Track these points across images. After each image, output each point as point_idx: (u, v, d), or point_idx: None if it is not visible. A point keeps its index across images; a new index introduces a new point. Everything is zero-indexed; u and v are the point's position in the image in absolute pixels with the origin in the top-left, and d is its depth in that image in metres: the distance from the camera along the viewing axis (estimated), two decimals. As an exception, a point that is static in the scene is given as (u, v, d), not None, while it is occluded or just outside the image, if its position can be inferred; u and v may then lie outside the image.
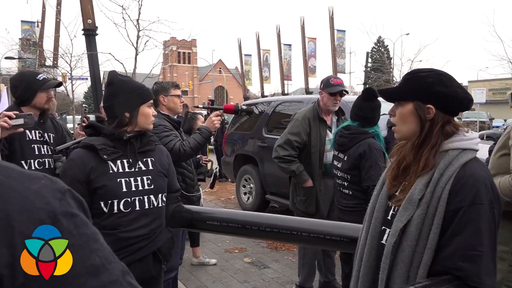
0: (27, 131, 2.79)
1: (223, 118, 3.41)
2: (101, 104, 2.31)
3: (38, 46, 16.30)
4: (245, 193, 7.68)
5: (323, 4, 29.51)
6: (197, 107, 3.97)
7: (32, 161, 2.82)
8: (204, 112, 3.60)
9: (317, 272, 4.08)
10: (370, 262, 1.51)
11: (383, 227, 1.49)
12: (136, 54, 10.37)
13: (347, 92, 3.86)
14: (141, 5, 10.18)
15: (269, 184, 6.96)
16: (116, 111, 2.02)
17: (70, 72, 14.73)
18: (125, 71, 10.46)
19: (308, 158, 3.75)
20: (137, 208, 1.99)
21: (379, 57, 32.22)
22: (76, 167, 1.93)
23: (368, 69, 30.10)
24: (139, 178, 2.02)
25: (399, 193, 1.46)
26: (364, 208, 3.06)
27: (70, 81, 15.80)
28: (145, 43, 10.37)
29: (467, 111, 1.51)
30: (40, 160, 2.86)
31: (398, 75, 22.94)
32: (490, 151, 2.69)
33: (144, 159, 2.09)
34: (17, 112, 2.59)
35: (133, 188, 1.99)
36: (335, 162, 3.45)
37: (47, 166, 2.90)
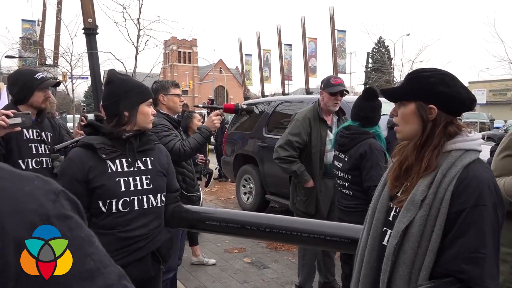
0: (24, 130, 2.76)
1: (223, 117, 3.40)
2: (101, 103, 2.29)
3: (39, 45, 16.29)
4: (245, 193, 7.67)
5: (324, 4, 29.52)
6: (197, 106, 3.96)
7: (29, 160, 2.79)
8: (204, 111, 3.59)
9: (317, 272, 4.06)
10: (371, 263, 1.50)
11: (384, 228, 1.48)
12: (137, 54, 10.35)
13: (347, 92, 3.84)
14: (142, 4, 10.17)
15: (269, 184, 6.94)
16: (115, 110, 2.00)
17: (70, 71, 14.72)
18: (126, 70, 10.44)
19: (308, 158, 3.74)
20: (136, 207, 1.97)
21: (380, 58, 32.23)
22: (75, 166, 1.91)
23: (369, 69, 30.09)
24: (138, 178, 2.01)
25: (401, 194, 1.45)
26: (365, 209, 3.04)
27: (70, 80, 15.79)
28: (145, 43, 10.35)
29: (467, 112, 1.49)
30: (38, 159, 2.83)
31: (398, 75, 22.93)
32: (491, 152, 2.67)
33: (143, 159, 2.07)
34: (15, 111, 2.56)
35: (132, 188, 1.97)
36: (336, 163, 3.43)
37: (44, 166, 2.87)
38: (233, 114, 7.92)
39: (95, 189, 1.90)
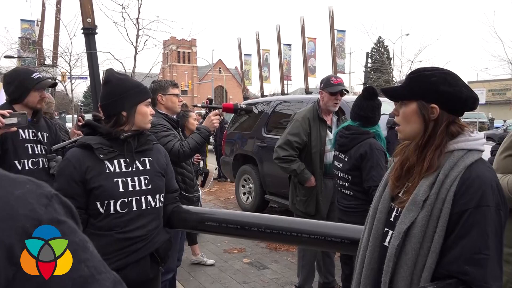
0: (20, 130, 2.73)
1: (222, 117, 3.38)
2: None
3: (38, 45, 16.29)
4: (244, 193, 7.66)
5: (323, 4, 29.48)
6: (196, 106, 3.94)
7: (25, 161, 2.76)
8: (203, 111, 3.58)
9: (317, 272, 4.05)
10: (372, 264, 1.48)
11: (386, 229, 1.46)
12: (136, 53, 10.35)
13: (347, 91, 3.82)
14: (141, 4, 10.17)
15: (269, 184, 6.93)
16: (113, 110, 1.98)
17: (69, 71, 14.71)
18: (125, 70, 10.45)
19: (308, 159, 3.72)
20: (134, 208, 1.95)
21: (379, 58, 32.24)
22: (72, 166, 1.89)
23: (368, 69, 30.05)
24: (136, 178, 1.98)
25: (403, 194, 1.43)
26: (365, 209, 3.03)
27: (69, 80, 15.78)
28: (144, 42, 10.36)
29: (468, 111, 1.47)
30: (34, 160, 2.80)
31: (398, 75, 22.94)
32: (492, 152, 2.65)
33: (142, 159, 2.05)
34: (11, 111, 2.53)
35: (130, 188, 1.95)
36: (336, 163, 3.42)
37: (41, 166, 2.84)
38: (233, 114, 7.93)
39: (93, 190, 1.88)
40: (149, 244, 2.00)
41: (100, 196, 1.88)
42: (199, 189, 3.84)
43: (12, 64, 18.51)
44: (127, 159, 1.99)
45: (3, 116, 2.42)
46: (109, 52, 10.53)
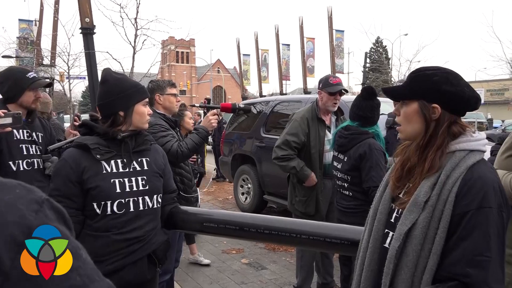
0: (15, 131, 2.68)
1: (221, 117, 3.37)
2: None
3: (36, 45, 16.26)
4: (242, 193, 7.64)
5: (322, 4, 29.51)
6: (194, 106, 3.92)
7: (20, 161, 2.72)
8: (200, 111, 3.56)
9: (315, 273, 4.03)
10: (372, 266, 1.47)
11: (386, 230, 1.44)
12: (134, 53, 10.34)
13: (346, 91, 3.81)
14: (139, 3, 10.16)
15: (267, 184, 6.92)
16: (110, 110, 1.96)
17: (67, 71, 14.69)
18: (123, 70, 10.42)
19: (307, 159, 3.70)
20: (131, 209, 1.93)
21: (378, 58, 32.20)
22: (69, 167, 1.86)
23: (367, 69, 30.05)
24: (133, 179, 1.96)
25: (403, 195, 1.41)
26: (364, 210, 3.02)
27: (67, 80, 15.76)
28: (143, 42, 10.34)
29: (468, 111, 1.45)
30: (29, 160, 2.76)
31: (396, 75, 22.97)
32: (492, 152, 2.64)
33: (139, 159, 2.03)
34: (5, 111, 2.50)
35: (127, 189, 1.93)
36: (335, 163, 3.40)
37: (36, 167, 2.80)
38: (231, 114, 7.91)
39: (90, 190, 1.86)
40: (147, 245, 1.98)
41: (96, 196, 1.86)
42: (198, 189, 3.83)
43: (10, 64, 18.48)
44: (124, 160, 1.97)
45: None
46: (107, 52, 10.51)
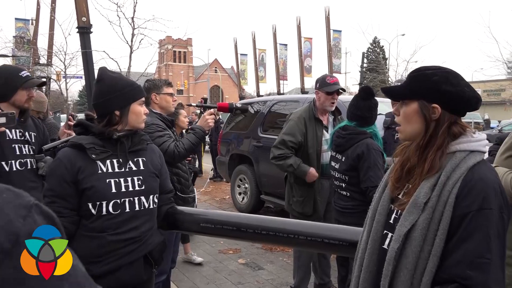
0: (7, 130, 2.62)
1: (218, 117, 3.35)
2: None
3: (32, 44, 16.18)
4: (240, 193, 7.63)
5: (319, 4, 29.52)
6: (190, 105, 3.90)
7: (13, 161, 2.66)
8: (197, 110, 3.53)
9: (312, 273, 4.02)
10: (370, 267, 1.45)
11: (385, 231, 1.43)
12: (131, 53, 10.31)
13: (344, 90, 3.80)
14: (136, 2, 10.13)
15: (264, 184, 6.90)
16: (105, 109, 1.93)
17: (64, 70, 14.63)
18: (120, 69, 10.38)
19: (305, 159, 3.68)
20: (127, 210, 1.91)
21: (375, 58, 32.24)
22: (64, 167, 1.84)
23: (364, 69, 30.10)
24: (129, 179, 1.94)
25: (403, 196, 1.39)
26: (362, 210, 3.01)
27: (64, 79, 15.69)
28: (140, 42, 10.32)
29: (468, 112, 1.43)
30: (22, 160, 2.70)
31: (393, 75, 23.00)
32: (489, 152, 2.63)
33: (135, 159, 2.00)
34: None
35: (123, 189, 1.91)
36: (333, 163, 3.38)
37: (29, 167, 2.74)
38: (229, 114, 7.90)
39: (85, 191, 1.84)
40: (143, 246, 1.96)
41: (92, 197, 1.84)
42: (195, 189, 3.81)
43: (6, 63, 18.40)
44: (120, 159, 1.94)
45: None
46: (104, 51, 10.47)
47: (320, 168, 3.73)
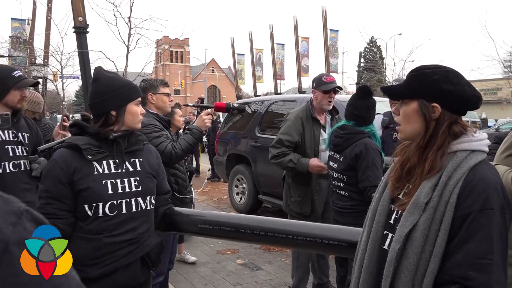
0: (0, 132, 2.59)
1: (215, 117, 3.34)
2: None
3: (28, 44, 16.13)
4: (237, 193, 7.61)
5: (316, 3, 29.50)
6: (187, 105, 3.87)
7: (6, 163, 2.61)
8: (194, 110, 3.51)
9: (311, 273, 4.01)
10: (370, 268, 1.43)
11: (385, 232, 1.41)
12: (128, 52, 10.28)
13: (340, 88, 3.78)
14: (133, 2, 10.10)
15: (262, 184, 6.89)
16: (101, 109, 1.91)
17: (60, 70, 14.59)
18: (117, 69, 10.36)
19: (303, 158, 3.67)
20: (124, 211, 1.88)
21: (372, 57, 32.31)
22: (59, 167, 1.81)
23: (361, 69, 30.12)
24: (126, 180, 1.91)
25: (403, 196, 1.38)
26: (360, 210, 2.99)
27: (60, 79, 15.65)
28: (136, 41, 10.29)
29: (469, 111, 1.41)
30: (15, 162, 2.66)
31: (390, 75, 23.04)
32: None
33: (132, 160, 1.98)
34: None
35: (120, 190, 1.88)
36: (331, 163, 3.37)
37: (22, 168, 2.69)
38: (226, 114, 7.88)
39: (81, 192, 1.81)
40: (140, 247, 1.94)
41: (88, 198, 1.81)
42: (192, 190, 3.79)
43: (3, 63, 18.33)
44: (117, 160, 1.92)
45: None
46: (100, 51, 10.47)
47: (318, 168, 3.71)
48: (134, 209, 1.91)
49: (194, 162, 11.49)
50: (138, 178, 1.95)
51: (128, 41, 10.16)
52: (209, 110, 3.18)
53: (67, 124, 2.85)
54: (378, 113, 3.63)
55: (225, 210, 7.50)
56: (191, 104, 3.45)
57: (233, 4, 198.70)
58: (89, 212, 1.82)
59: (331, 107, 3.74)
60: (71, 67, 15.02)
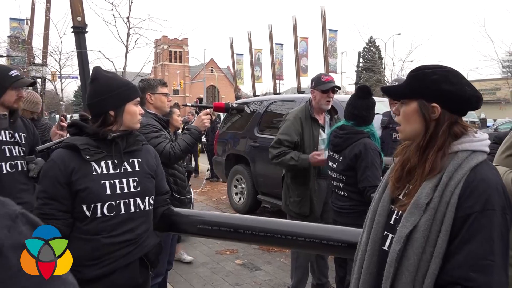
0: None
1: (214, 116, 3.33)
2: None
3: (27, 44, 16.13)
4: (236, 194, 7.60)
5: (315, 3, 29.54)
6: (186, 105, 3.86)
7: (3, 164, 2.59)
8: (193, 110, 3.50)
9: (310, 274, 4.00)
10: (371, 269, 1.43)
11: (385, 232, 1.40)
12: (127, 52, 10.28)
13: (339, 88, 3.78)
14: (132, 2, 10.10)
15: (261, 184, 6.88)
16: (100, 109, 1.90)
17: (59, 70, 14.59)
18: (115, 69, 10.35)
19: (302, 158, 3.66)
20: (122, 212, 1.87)
21: (371, 57, 32.31)
22: (57, 168, 1.80)
23: (360, 69, 30.13)
24: (124, 180, 1.90)
25: (403, 196, 1.37)
26: (360, 210, 2.98)
27: (59, 79, 15.65)
28: (135, 41, 10.29)
29: (470, 111, 1.41)
30: (12, 162, 2.63)
31: (389, 75, 23.08)
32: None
33: (130, 160, 1.97)
34: None
35: (118, 191, 1.87)
36: (330, 163, 3.36)
37: (19, 169, 2.67)
38: (225, 113, 7.87)
39: (79, 192, 1.80)
40: (138, 248, 1.93)
41: (86, 198, 1.80)
42: (191, 190, 3.78)
43: (1, 63, 18.31)
44: (115, 160, 1.91)
45: None
46: (99, 51, 10.45)
47: (317, 168, 3.71)
48: (132, 210, 1.90)
49: (193, 162, 11.49)
50: (136, 178, 1.94)
51: (127, 41, 10.17)
52: (208, 110, 3.17)
53: (64, 124, 2.83)
54: (377, 113, 3.62)
55: (224, 210, 7.49)
56: (190, 104, 3.44)
57: (232, 4, 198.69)
58: (87, 213, 1.81)
59: (329, 106, 3.73)
60: (70, 67, 15.03)
